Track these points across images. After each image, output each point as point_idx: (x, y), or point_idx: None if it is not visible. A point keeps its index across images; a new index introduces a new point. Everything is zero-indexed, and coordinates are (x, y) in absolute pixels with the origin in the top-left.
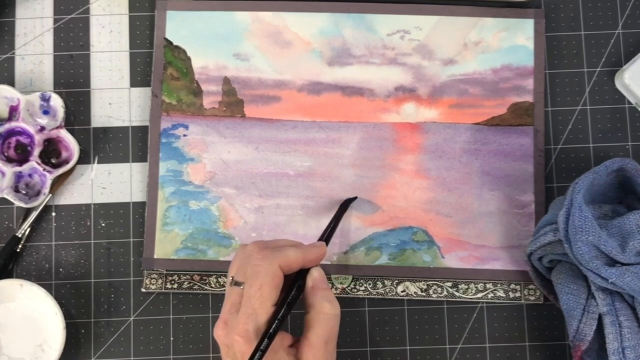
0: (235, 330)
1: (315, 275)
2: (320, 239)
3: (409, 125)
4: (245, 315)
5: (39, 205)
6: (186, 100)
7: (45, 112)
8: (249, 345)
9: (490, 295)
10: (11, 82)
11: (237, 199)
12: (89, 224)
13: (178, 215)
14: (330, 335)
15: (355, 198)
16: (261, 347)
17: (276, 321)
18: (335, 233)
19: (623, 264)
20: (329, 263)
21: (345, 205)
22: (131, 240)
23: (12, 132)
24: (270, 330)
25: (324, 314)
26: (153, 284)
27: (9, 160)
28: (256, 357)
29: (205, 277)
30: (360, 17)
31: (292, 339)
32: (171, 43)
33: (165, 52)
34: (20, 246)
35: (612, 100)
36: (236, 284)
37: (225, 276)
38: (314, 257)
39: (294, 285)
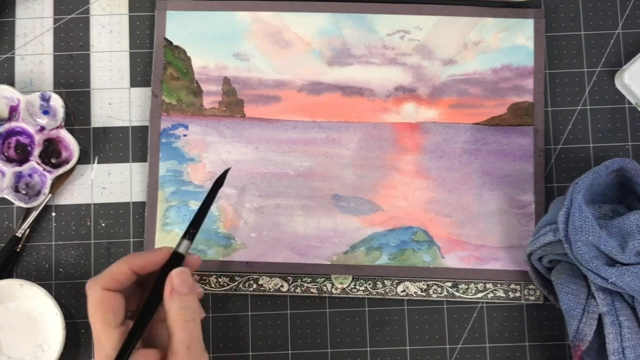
0: None
1: (175, 280)
2: (189, 225)
3: (409, 125)
4: (97, 349)
5: (39, 205)
6: (186, 100)
7: (45, 112)
8: None
9: (490, 295)
10: (11, 82)
11: (237, 199)
12: (89, 224)
13: (178, 215)
14: (192, 339)
15: (229, 168)
16: None
17: (123, 343)
18: (334, 233)
19: (623, 264)
20: (329, 263)
21: (219, 182)
22: (131, 240)
23: (12, 132)
24: (116, 355)
25: (180, 320)
26: None
27: (9, 160)
28: None
29: (205, 277)
30: (360, 17)
31: (159, 353)
32: (171, 43)
33: (165, 52)
34: (20, 246)
35: (612, 100)
36: None
37: (226, 276)
38: (144, 260)
39: (150, 298)
